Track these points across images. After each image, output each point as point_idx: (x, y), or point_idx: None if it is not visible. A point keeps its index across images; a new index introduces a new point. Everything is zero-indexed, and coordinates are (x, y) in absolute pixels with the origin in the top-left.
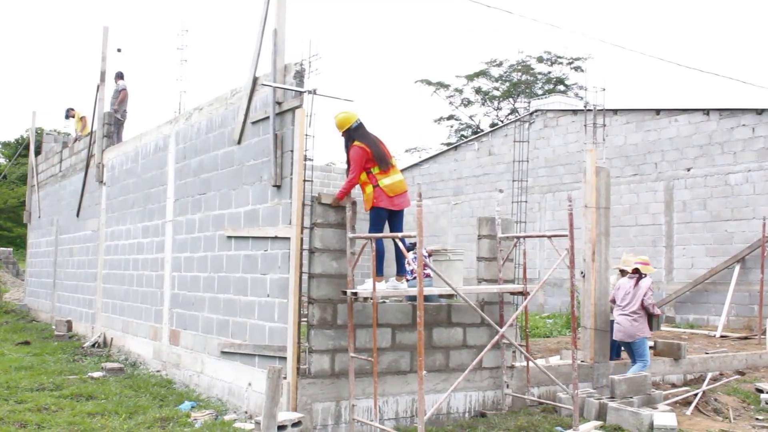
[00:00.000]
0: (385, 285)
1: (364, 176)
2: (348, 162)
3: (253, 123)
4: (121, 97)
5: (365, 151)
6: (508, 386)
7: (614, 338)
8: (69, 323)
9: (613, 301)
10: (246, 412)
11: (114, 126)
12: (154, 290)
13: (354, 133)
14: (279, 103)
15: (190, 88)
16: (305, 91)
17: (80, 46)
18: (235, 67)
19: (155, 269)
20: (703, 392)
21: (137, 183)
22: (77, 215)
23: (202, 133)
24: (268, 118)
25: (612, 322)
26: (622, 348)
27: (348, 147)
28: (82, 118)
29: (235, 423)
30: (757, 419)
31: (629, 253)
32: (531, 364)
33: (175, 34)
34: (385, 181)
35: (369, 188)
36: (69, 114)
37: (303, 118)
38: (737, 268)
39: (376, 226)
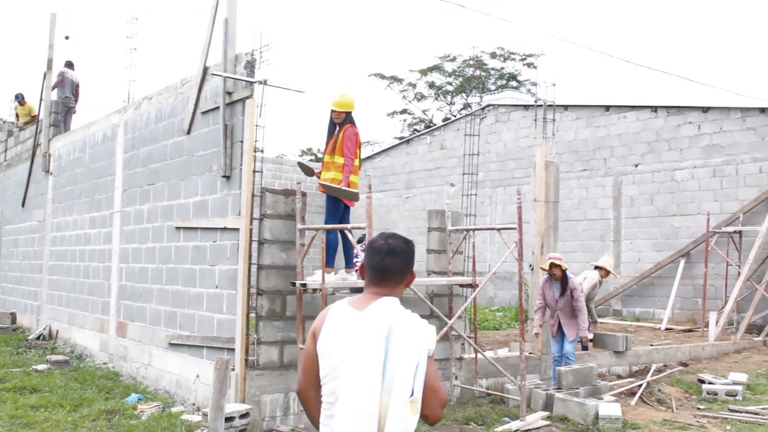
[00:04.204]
0: (334, 276)
1: (341, 160)
2: (339, 142)
3: (203, 113)
4: (56, 82)
5: (359, 139)
6: (456, 377)
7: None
8: (13, 315)
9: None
10: (194, 404)
11: (61, 115)
12: (101, 282)
13: (352, 119)
14: (229, 93)
15: (139, 77)
16: (256, 82)
17: (27, 32)
18: (186, 57)
19: (102, 260)
20: (648, 383)
21: (85, 173)
22: (22, 205)
23: (152, 123)
24: (218, 108)
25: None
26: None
27: (339, 128)
28: (33, 117)
29: (182, 415)
30: (698, 409)
31: (609, 255)
32: (479, 355)
33: (125, 22)
34: (354, 179)
35: (339, 176)
36: (20, 100)
37: (253, 108)
38: (682, 262)
39: (333, 216)
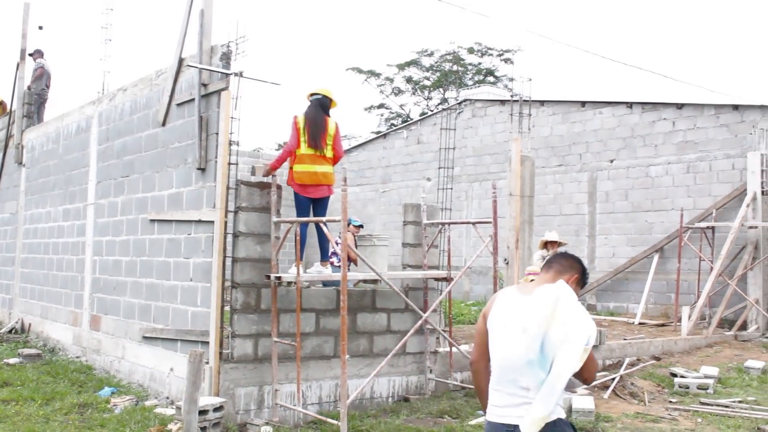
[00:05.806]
0: (307, 269)
1: (297, 150)
2: None
3: (179, 105)
4: (36, 75)
5: (296, 125)
6: (431, 371)
7: None
8: None
9: None
10: (167, 398)
11: (35, 106)
12: (75, 275)
13: (307, 107)
14: (205, 85)
15: (114, 68)
16: (231, 73)
17: None
18: (161, 48)
19: (76, 253)
20: (621, 377)
21: (58, 165)
22: None
23: (126, 115)
24: (193, 100)
25: None
26: None
27: None
28: (2, 104)
29: (155, 408)
30: (670, 402)
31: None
32: (454, 349)
33: (100, 13)
34: (296, 168)
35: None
36: None
37: (228, 100)
38: (656, 257)
39: (298, 209)
